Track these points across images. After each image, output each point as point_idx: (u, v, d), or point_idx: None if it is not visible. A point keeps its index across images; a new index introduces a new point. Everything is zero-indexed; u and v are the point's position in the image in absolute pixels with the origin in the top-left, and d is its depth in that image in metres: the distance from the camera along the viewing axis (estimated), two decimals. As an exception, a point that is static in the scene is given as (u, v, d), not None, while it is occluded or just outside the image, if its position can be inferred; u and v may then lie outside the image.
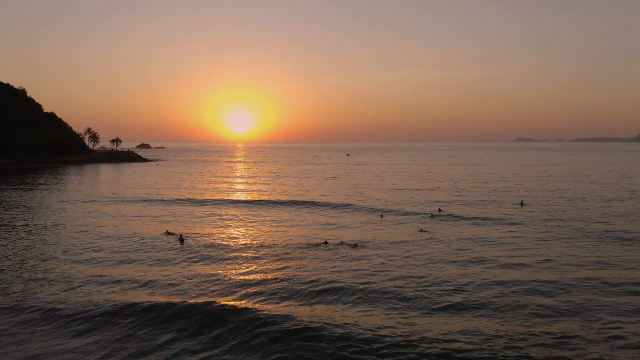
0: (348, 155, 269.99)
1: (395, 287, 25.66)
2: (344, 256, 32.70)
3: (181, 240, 38.50)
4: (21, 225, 46.64)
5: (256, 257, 33.11)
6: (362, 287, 25.76)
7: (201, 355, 18.51)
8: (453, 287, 25.77)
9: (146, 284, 27.13)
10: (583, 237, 38.33)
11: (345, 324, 20.74)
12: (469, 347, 18.60)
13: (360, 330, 19.99)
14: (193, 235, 40.50)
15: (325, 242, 37.19)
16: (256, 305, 23.32)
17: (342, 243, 36.92)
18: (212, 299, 24.12)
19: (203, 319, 21.58)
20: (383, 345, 18.78)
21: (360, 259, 31.72)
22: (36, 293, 25.86)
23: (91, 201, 64.99)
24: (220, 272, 29.54)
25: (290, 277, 27.94)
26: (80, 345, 19.62)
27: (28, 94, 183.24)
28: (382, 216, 50.62)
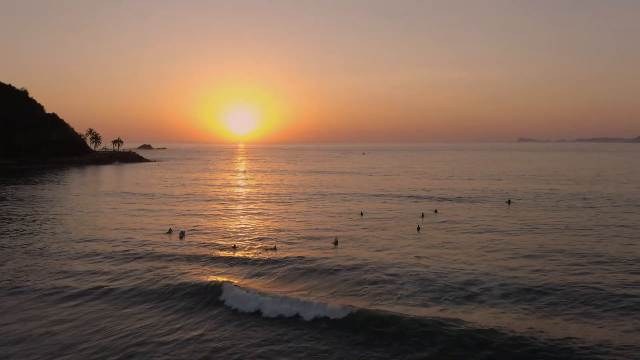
0: (364, 154, 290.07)
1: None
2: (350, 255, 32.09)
3: (181, 236, 39.64)
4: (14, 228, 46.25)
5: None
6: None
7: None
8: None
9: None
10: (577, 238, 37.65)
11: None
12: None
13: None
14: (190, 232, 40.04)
15: (336, 242, 37.28)
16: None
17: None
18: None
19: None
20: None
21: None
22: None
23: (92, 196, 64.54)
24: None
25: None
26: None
27: (30, 95, 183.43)
28: (361, 214, 51.75)
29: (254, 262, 32.27)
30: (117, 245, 37.51)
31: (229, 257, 33.70)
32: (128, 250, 35.82)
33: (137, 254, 34.59)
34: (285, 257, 32.78)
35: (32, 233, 43.11)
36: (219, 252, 35.18)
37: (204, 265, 31.45)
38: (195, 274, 29.26)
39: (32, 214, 54.25)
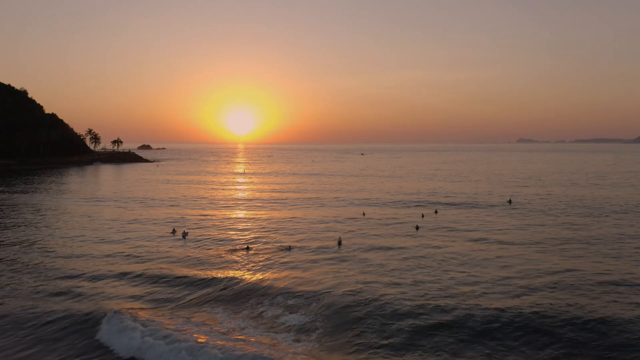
0: (362, 154, 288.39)
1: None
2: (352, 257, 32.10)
3: (184, 236, 40.31)
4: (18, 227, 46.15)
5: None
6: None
7: None
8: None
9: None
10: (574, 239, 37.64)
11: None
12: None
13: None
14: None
15: (339, 243, 37.11)
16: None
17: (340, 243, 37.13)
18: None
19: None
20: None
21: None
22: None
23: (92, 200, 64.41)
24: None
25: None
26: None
27: (29, 95, 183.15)
28: (363, 214, 51.00)
29: (254, 266, 32.07)
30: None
31: (234, 260, 33.60)
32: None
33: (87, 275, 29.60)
34: (282, 263, 32.38)
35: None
36: (224, 253, 35.16)
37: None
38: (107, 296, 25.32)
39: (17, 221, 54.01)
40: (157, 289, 26.82)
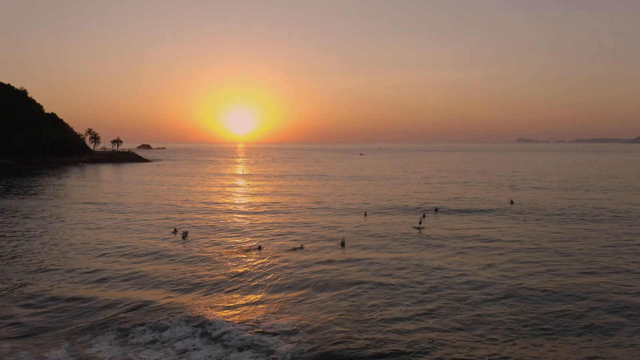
0: (361, 155, 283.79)
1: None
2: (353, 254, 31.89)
3: (184, 236, 40.16)
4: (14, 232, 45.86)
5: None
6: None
7: None
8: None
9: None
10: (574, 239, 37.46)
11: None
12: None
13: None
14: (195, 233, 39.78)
15: (342, 243, 36.95)
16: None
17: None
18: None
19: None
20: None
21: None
22: None
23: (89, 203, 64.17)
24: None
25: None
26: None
27: (29, 95, 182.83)
28: (365, 214, 51.89)
29: (257, 270, 31.89)
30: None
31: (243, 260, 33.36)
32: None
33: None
34: (284, 266, 32.21)
35: None
36: (234, 253, 34.95)
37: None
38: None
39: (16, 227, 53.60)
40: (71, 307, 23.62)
